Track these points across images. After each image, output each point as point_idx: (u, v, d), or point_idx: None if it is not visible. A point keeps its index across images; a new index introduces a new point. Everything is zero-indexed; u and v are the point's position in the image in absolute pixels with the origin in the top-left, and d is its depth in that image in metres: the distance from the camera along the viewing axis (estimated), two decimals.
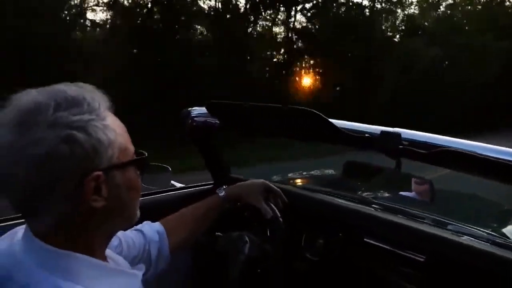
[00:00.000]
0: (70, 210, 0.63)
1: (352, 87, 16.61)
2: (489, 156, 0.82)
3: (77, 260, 0.64)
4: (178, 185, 1.70)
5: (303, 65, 18.34)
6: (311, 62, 18.34)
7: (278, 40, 17.03)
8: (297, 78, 17.58)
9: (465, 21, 22.64)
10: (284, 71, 16.39)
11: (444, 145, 0.89)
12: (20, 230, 0.70)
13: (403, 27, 21.00)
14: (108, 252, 0.76)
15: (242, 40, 14.47)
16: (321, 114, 1.00)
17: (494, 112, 19.91)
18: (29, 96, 0.62)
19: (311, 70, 18.38)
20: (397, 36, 20.99)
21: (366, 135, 0.99)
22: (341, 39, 15.83)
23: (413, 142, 0.94)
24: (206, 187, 1.69)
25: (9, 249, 0.68)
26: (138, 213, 0.75)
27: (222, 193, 1.21)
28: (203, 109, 1.38)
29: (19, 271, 0.63)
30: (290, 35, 16.97)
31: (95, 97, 0.65)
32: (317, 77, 17.85)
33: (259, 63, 15.76)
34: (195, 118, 1.40)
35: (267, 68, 16.50)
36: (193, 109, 1.42)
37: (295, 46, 17.25)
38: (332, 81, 16.86)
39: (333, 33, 15.93)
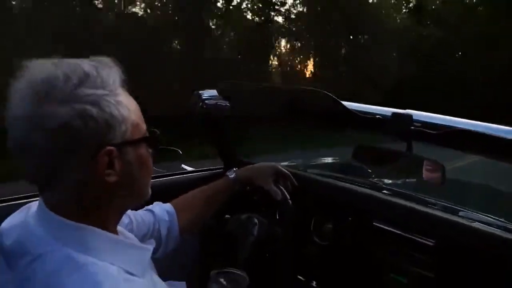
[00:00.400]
0: (83, 184, 0.64)
1: (340, 77, 14.81)
2: (503, 136, 0.81)
3: (89, 232, 0.65)
4: (189, 168, 1.71)
5: (281, 48, 16.12)
6: (297, 45, 16.21)
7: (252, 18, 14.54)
8: (276, 63, 15.72)
9: (480, 8, 20.69)
10: (258, 55, 13.90)
11: (457, 126, 0.88)
12: (35, 204, 0.72)
13: (406, 10, 18.67)
14: (119, 228, 0.77)
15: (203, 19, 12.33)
16: (332, 95, 1.00)
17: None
18: (44, 69, 0.63)
19: (292, 56, 16.38)
20: (397, 17, 18.52)
21: (377, 116, 0.99)
22: (327, 18, 14.05)
23: (425, 124, 0.93)
24: (216, 170, 1.70)
25: (24, 221, 0.70)
26: (150, 191, 0.76)
27: (232, 175, 1.21)
28: (213, 92, 1.38)
29: (33, 242, 0.64)
30: (267, 11, 14.57)
31: (110, 73, 0.66)
32: (297, 62, 16.07)
33: (221, 44, 13.58)
34: (205, 101, 1.40)
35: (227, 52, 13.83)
36: (204, 92, 1.42)
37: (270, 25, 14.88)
38: (319, 66, 15.18)
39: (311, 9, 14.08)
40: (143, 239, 0.95)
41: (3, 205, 1.12)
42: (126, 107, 0.66)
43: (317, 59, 16.17)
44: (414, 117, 0.94)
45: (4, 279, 0.65)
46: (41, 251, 0.62)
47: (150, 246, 0.76)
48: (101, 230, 0.67)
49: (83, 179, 0.63)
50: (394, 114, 0.96)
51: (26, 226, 0.68)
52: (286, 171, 1.26)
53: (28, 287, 0.61)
